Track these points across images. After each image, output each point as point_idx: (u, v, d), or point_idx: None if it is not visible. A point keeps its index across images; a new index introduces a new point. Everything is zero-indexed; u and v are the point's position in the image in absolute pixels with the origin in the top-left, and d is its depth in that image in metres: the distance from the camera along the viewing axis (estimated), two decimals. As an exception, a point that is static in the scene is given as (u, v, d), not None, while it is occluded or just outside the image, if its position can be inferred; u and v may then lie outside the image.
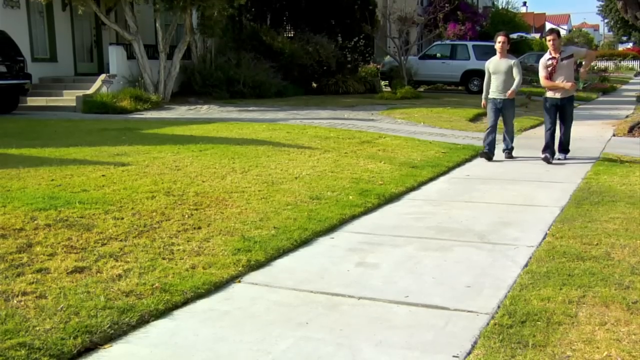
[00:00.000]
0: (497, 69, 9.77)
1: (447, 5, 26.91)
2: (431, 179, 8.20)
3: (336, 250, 5.18)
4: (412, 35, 31.50)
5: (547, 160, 9.30)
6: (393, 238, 5.52)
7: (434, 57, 26.62)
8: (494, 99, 9.88)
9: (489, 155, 9.75)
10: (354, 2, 24.78)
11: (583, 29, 73.08)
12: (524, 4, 65.34)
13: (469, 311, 3.89)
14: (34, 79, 17.02)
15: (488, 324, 3.66)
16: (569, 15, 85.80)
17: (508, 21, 42.73)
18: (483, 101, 10.12)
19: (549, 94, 9.50)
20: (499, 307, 3.92)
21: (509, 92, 9.77)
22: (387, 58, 26.98)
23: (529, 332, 3.53)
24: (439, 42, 27.70)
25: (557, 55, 9.28)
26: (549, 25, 76.26)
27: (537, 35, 56.87)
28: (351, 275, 4.57)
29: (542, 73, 9.47)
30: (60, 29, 19.77)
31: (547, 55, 9.46)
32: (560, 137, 9.66)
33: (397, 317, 3.84)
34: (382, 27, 26.99)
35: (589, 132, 13.46)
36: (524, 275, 4.47)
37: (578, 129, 14.46)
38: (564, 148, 9.77)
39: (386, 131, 12.33)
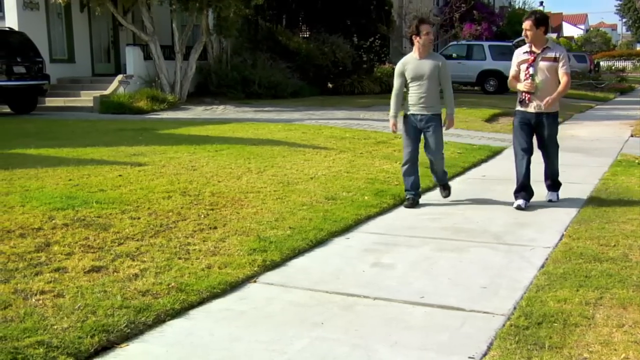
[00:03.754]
0: (418, 73, 6.60)
1: (463, 5, 26.84)
2: (449, 179, 8.16)
3: (351, 251, 5.18)
4: (428, 36, 31.38)
5: (520, 208, 6.52)
6: (408, 239, 5.51)
7: (450, 57, 26.46)
8: (413, 115, 6.72)
9: (416, 201, 6.79)
10: (370, 2, 24.76)
11: (601, 29, 72.50)
12: (541, 3, 64.84)
13: (484, 312, 3.88)
14: (52, 79, 17.18)
15: (504, 325, 3.65)
16: (586, 15, 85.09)
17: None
18: (392, 120, 6.76)
19: (520, 107, 6.63)
20: (515, 308, 3.90)
21: (447, 123, 6.77)
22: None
23: (546, 333, 3.51)
24: (454, 43, 27.61)
25: (537, 50, 6.47)
26: (566, 26, 75.83)
27: (554, 35, 56.49)
28: (366, 276, 4.57)
29: (511, 69, 6.71)
30: (78, 30, 19.93)
31: (523, 48, 6.66)
32: (545, 169, 6.87)
33: (412, 317, 3.84)
34: (397, 27, 26.97)
35: (607, 133, 13.36)
36: (540, 277, 4.44)
37: (595, 129, 14.36)
38: (553, 182, 6.91)
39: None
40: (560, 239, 5.40)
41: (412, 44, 6.65)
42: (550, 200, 6.79)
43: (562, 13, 77.61)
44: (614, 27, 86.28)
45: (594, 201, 6.78)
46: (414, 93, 6.63)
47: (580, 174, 8.60)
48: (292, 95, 20.93)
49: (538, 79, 6.44)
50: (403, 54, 26.86)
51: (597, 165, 9.24)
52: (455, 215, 6.35)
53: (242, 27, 21.40)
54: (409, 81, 6.64)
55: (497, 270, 4.67)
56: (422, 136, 6.76)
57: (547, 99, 6.36)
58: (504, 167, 9.31)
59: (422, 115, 6.64)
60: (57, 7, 18.68)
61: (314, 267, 4.77)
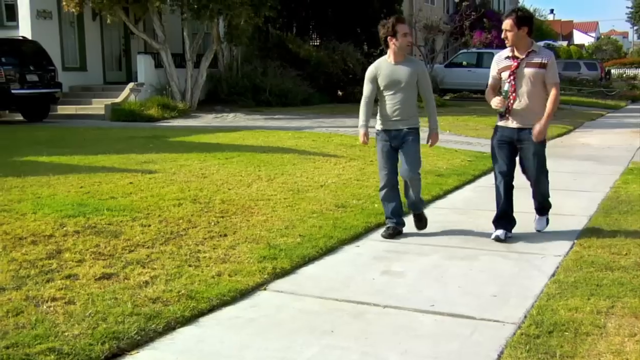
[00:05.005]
0: (392, 80, 5.68)
1: (473, 13, 26.80)
2: (457, 188, 8.16)
3: (361, 259, 5.18)
4: (438, 44, 31.44)
5: (499, 239, 5.61)
6: (418, 247, 5.50)
7: (460, 65, 26.52)
8: (387, 130, 5.79)
9: (396, 230, 5.86)
10: (380, 10, 24.77)
11: (612, 37, 72.23)
12: (552, 11, 64.98)
13: (495, 320, 3.86)
14: (64, 87, 17.32)
15: (514, 334, 3.63)
16: (597, 23, 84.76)
17: (535, 29, 42.41)
18: (362, 130, 5.79)
19: (501, 123, 5.66)
20: (525, 316, 3.89)
21: (431, 140, 5.86)
22: (413, 66, 26.92)
23: (557, 342, 3.50)
24: (464, 50, 27.60)
25: (520, 55, 5.47)
26: (576, 33, 75.60)
27: (565, 43, 56.39)
28: (376, 284, 4.56)
29: (490, 77, 5.75)
30: (90, 39, 20.09)
31: (504, 52, 5.62)
32: (533, 192, 5.91)
33: (422, 326, 3.83)
34: (408, 35, 26.98)
35: (618, 141, 13.29)
36: (551, 285, 4.42)
37: (606, 137, 14.30)
38: (541, 204, 5.97)
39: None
40: (571, 248, 5.37)
41: (387, 46, 5.72)
42: (538, 230, 5.92)
43: (572, 21, 77.49)
44: (625, 35, 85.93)
45: (606, 209, 6.75)
46: (388, 103, 5.71)
47: (591, 182, 8.56)
48: (302, 103, 20.97)
49: (518, 96, 5.48)
50: (413, 62, 26.99)
51: (608, 173, 9.19)
52: (465, 223, 6.33)
53: (252, 35, 21.48)
54: (381, 89, 5.73)
55: (508, 279, 4.65)
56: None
57: (537, 127, 5.41)
58: (515, 175, 9.28)
59: (396, 130, 5.71)
60: (69, 16, 18.85)
61: (324, 275, 4.77)
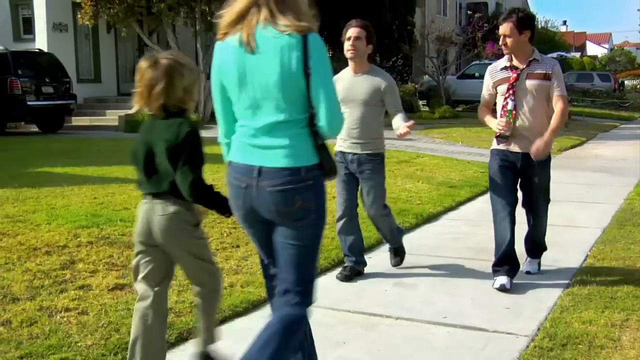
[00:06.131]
0: (349, 94, 4.76)
1: (485, 25, 26.78)
2: (469, 199, 8.14)
3: (373, 270, 5.17)
4: (450, 55, 31.45)
5: (503, 288, 4.59)
6: (430, 258, 5.49)
7: (472, 76, 26.45)
8: (343, 153, 4.86)
9: (355, 271, 5.00)
10: (393, 23, 24.87)
11: (625, 48, 71.92)
12: (564, 22, 64.65)
13: (508, 333, 3.85)
14: (78, 99, 17.48)
15: (528, 347, 3.61)
16: (610, 34, 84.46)
17: (548, 40, 42.38)
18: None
19: (498, 145, 4.75)
20: (539, 329, 3.87)
21: (405, 125, 4.59)
22: (426, 78, 26.95)
23: (570, 355, 3.47)
24: (477, 62, 27.56)
25: (520, 65, 4.59)
26: (590, 45, 75.35)
27: (578, 55, 56.22)
28: (389, 295, 4.56)
29: (484, 91, 4.83)
30: (104, 51, 20.28)
31: (500, 62, 4.74)
32: (529, 232, 5.06)
33: (435, 338, 3.82)
34: (420, 47, 27.02)
35: (631, 152, 13.21)
36: (565, 297, 4.40)
37: (620, 149, 14.22)
38: (535, 247, 5.09)
39: (424, 150, 12.27)
40: (585, 260, 5.34)
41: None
42: (528, 272, 4.98)
43: (585, 32, 77.19)
44: (638, 46, 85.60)
45: (619, 221, 6.70)
46: (345, 122, 4.20)
47: (605, 193, 8.51)
48: (314, 114, 20.99)
49: (520, 114, 4.58)
50: (425, 74, 26.93)
51: (621, 185, 9.14)
52: (478, 234, 6.31)
53: (264, 47, 21.60)
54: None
55: (520, 291, 4.63)
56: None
57: (537, 142, 4.45)
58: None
59: (353, 154, 4.79)
60: (85, 29, 19.05)
61: (336, 286, 4.76)
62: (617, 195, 8.25)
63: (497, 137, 4.70)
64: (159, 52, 3.07)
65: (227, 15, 2.69)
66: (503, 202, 4.70)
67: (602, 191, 8.69)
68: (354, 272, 4.95)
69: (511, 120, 4.57)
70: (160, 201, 2.95)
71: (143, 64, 2.94)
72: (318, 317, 4.15)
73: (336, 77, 4.66)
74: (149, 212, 2.99)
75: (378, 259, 5.48)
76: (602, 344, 3.62)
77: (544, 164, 4.70)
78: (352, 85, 4.77)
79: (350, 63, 4.81)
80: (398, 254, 5.27)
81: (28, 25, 18.96)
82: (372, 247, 5.76)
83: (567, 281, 4.78)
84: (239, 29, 2.65)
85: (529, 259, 5.10)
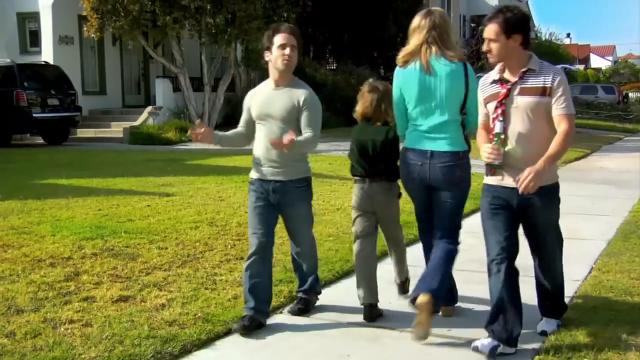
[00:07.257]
0: (265, 110, 4.24)
1: (489, 37, 26.90)
2: (473, 211, 8.10)
3: (378, 282, 5.15)
4: (454, 67, 31.51)
5: (476, 350, 3.69)
6: (435, 271, 5.46)
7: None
8: (261, 180, 4.24)
9: (256, 321, 4.07)
10: (397, 35, 24.94)
11: (629, 60, 71.91)
12: (568, 35, 64.66)
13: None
14: (84, 111, 17.59)
15: (533, 359, 3.59)
16: (614, 47, 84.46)
17: (552, 53, 42.33)
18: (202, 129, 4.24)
19: (490, 180, 3.93)
20: (543, 342, 3.85)
21: (284, 138, 3.94)
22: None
23: (575, 368, 3.45)
24: (480, 75, 27.59)
25: (512, 78, 3.70)
26: (593, 57, 75.34)
27: (582, 67, 56.26)
28: (393, 308, 4.54)
29: (480, 110, 3.96)
30: (110, 63, 20.40)
31: (491, 74, 3.89)
32: (541, 286, 4.13)
33: (439, 351, 3.80)
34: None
35: (636, 164, 13.18)
36: (570, 310, 4.37)
37: (624, 161, 14.19)
38: (554, 304, 4.12)
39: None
40: (590, 272, 5.32)
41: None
42: (543, 332, 3.96)
43: (589, 45, 77.27)
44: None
45: (624, 234, 6.68)
46: (262, 143, 4.21)
47: (610, 206, 8.49)
48: (318, 126, 21.03)
49: (510, 139, 3.71)
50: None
51: (626, 197, 9.11)
52: (481, 246, 6.25)
53: (269, 59, 21.69)
54: (255, 122, 4.27)
55: (525, 302, 4.60)
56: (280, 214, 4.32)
57: (525, 172, 3.50)
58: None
59: (275, 181, 4.16)
60: (90, 41, 19.18)
61: (340, 299, 4.76)
62: (622, 208, 8.23)
63: (486, 166, 3.83)
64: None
65: (405, 51, 4.08)
66: (496, 250, 3.82)
67: (606, 203, 8.67)
68: (254, 324, 4.02)
69: (499, 146, 3.68)
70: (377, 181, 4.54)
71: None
72: (322, 329, 4.15)
73: (252, 91, 4.44)
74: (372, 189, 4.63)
75: (383, 271, 5.46)
76: (607, 357, 3.60)
77: (548, 199, 3.79)
78: (268, 100, 4.22)
79: (276, 74, 4.25)
80: (307, 304, 4.45)
81: (34, 38, 19.11)
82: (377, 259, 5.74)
83: (572, 294, 4.76)
84: (415, 59, 3.97)
85: (544, 319, 4.07)
